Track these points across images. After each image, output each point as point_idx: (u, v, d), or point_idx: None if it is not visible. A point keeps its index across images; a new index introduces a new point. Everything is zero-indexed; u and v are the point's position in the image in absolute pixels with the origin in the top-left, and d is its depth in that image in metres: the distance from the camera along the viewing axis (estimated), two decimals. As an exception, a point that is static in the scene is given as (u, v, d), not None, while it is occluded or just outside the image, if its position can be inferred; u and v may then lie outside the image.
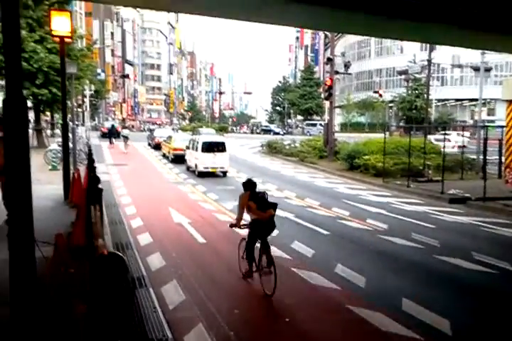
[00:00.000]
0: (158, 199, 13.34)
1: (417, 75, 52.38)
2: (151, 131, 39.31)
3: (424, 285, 6.92)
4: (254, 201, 6.25)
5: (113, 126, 38.54)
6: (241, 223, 6.46)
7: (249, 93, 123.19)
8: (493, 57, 33.74)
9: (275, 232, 9.51)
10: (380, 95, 52.83)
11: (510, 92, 17.80)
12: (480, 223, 11.14)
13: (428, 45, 36.32)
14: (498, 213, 12.28)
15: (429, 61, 34.44)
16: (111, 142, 33.83)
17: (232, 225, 6.60)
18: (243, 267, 6.75)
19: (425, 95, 38.23)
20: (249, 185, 6.47)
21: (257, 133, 66.56)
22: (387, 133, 21.90)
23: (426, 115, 35.95)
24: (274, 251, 8.15)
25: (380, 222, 10.92)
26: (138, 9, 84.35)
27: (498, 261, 7.94)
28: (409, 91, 55.35)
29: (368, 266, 7.67)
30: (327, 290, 6.51)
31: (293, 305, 6.01)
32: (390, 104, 61.53)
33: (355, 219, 11.09)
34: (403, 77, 56.46)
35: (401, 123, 54.58)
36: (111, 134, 35.10)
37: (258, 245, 6.54)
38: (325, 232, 9.82)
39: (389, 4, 9.46)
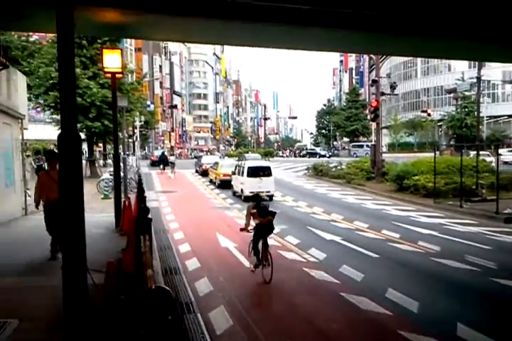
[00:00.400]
0: (205, 225, 13.50)
1: (467, 93, 51.18)
2: (199, 158, 40.08)
3: (480, 310, 6.60)
4: (257, 209, 8.11)
5: (163, 153, 39.82)
6: (248, 228, 8.28)
7: (295, 117, 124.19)
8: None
9: (323, 256, 9.48)
10: (429, 114, 51.86)
11: None
12: (540, 243, 10.56)
13: (477, 63, 35.47)
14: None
15: (479, 78, 33.61)
16: (163, 168, 35.04)
17: (242, 229, 8.44)
18: (252, 262, 8.34)
19: (475, 112, 37.14)
20: (255, 197, 8.46)
21: (300, 156, 66.35)
22: (438, 152, 21.42)
23: (477, 133, 34.80)
24: (322, 275, 8.09)
25: (432, 244, 10.55)
26: (185, 43, 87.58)
27: (562, 283, 7.48)
28: (459, 110, 53.97)
29: (420, 289, 7.41)
30: (377, 315, 6.32)
31: (342, 331, 5.88)
32: (439, 123, 60.12)
33: (405, 242, 10.78)
34: (452, 95, 55.40)
35: (451, 142, 53.06)
36: (161, 161, 36.42)
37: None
38: (374, 255, 9.60)
39: (438, 26, 9.38)
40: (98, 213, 14.07)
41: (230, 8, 7.49)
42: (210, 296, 7.06)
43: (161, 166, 35.52)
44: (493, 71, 44.57)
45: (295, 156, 67.93)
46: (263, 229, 8.08)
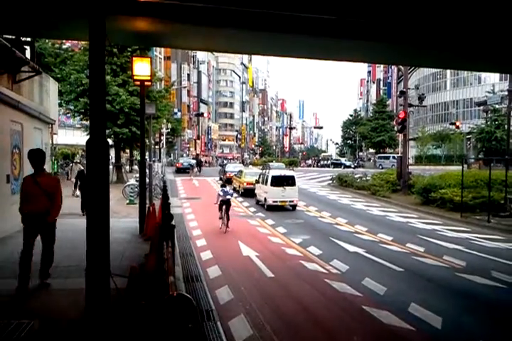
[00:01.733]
0: (227, 233, 13.52)
1: (497, 106, 50.21)
2: (223, 166, 40.32)
3: (505, 328, 6.41)
4: (222, 192, 14.32)
5: (197, 155, 45.16)
6: (218, 203, 14.23)
7: (320, 127, 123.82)
8: None
9: (345, 268, 9.38)
10: (457, 127, 50.99)
11: None
12: None
13: (508, 75, 34.81)
14: None
15: (510, 91, 32.94)
16: (199, 170, 39.86)
17: (215, 203, 14.45)
18: (219, 219, 14.14)
19: (506, 126, 36.40)
20: (223, 185, 15.28)
21: (321, 166, 66.02)
22: (466, 165, 20.99)
23: (507, 146, 34.02)
24: (344, 287, 7.99)
25: (458, 258, 10.33)
26: (213, 52, 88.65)
27: None
28: (489, 122, 52.94)
29: (444, 305, 7.24)
30: (400, 329, 6.20)
31: (363, 345, 5.79)
32: (468, 136, 59.07)
33: (430, 256, 10.57)
34: (481, 108, 54.43)
35: (480, 156, 52.03)
36: (198, 164, 45.19)
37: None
38: (398, 269, 9.44)
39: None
40: (123, 218, 14.25)
41: (257, 19, 7.56)
42: (231, 304, 7.04)
43: (198, 168, 42.85)
44: (525, 84, 43.61)
45: (317, 166, 67.46)
46: (225, 203, 14.07)
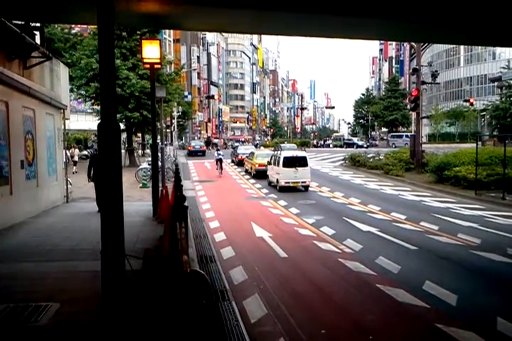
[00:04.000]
0: (240, 214, 13.59)
1: (512, 81, 49.22)
2: (235, 148, 40.31)
3: (523, 305, 6.40)
4: (217, 160, 25.42)
5: (209, 138, 45.67)
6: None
7: (332, 107, 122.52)
8: None
9: (359, 247, 9.39)
10: (472, 104, 50.14)
11: None
12: None
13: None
14: None
15: (525, 65, 32.23)
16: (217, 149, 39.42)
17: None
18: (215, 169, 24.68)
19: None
20: (218, 160, 25.55)
21: (315, 146, 65.56)
22: (480, 143, 20.73)
23: (523, 123, 33.48)
24: (357, 266, 8.01)
25: (473, 236, 10.27)
26: (223, 33, 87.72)
27: None
28: (503, 99, 51.96)
29: (459, 283, 7.23)
30: (414, 307, 6.21)
31: (378, 322, 5.82)
32: (482, 113, 58.14)
33: (445, 234, 10.53)
34: (496, 84, 53.37)
35: (494, 133, 51.26)
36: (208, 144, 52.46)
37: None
38: (412, 247, 9.42)
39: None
40: (136, 201, 14.39)
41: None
42: (245, 285, 7.11)
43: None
44: (542, 58, 42.61)
45: (316, 146, 66.79)
46: (219, 160, 25.03)
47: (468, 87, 69.91)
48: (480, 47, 62.32)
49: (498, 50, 63.08)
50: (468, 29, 10.49)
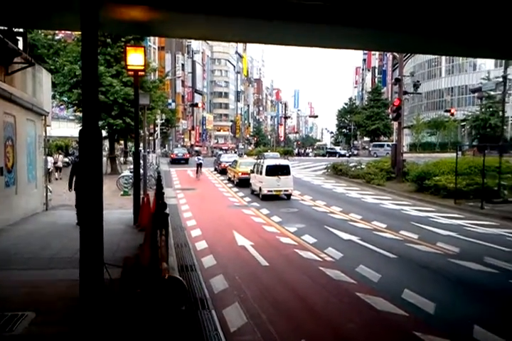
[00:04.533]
0: (222, 223, 13.57)
1: (492, 92, 50.19)
2: (218, 156, 40.30)
3: (498, 312, 6.50)
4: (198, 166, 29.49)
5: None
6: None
7: (315, 116, 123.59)
8: None
9: (339, 255, 9.44)
10: (452, 114, 51.00)
11: None
12: None
13: (503, 61, 34.80)
14: None
15: (505, 77, 33.01)
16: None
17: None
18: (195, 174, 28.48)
19: (500, 113, 36.45)
20: (198, 165, 29.65)
21: (297, 155, 65.74)
22: (460, 152, 21.08)
23: (501, 133, 34.23)
24: (338, 274, 8.05)
25: (451, 245, 10.41)
26: (208, 41, 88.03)
27: None
28: (483, 109, 53.00)
29: (437, 291, 7.32)
30: (393, 315, 6.26)
31: (357, 331, 5.85)
32: (463, 123, 59.17)
33: (424, 243, 10.66)
34: (476, 94, 54.36)
35: (474, 143, 52.17)
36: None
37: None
38: (392, 256, 9.52)
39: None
40: (117, 209, 14.27)
41: (251, 6, 7.51)
42: (225, 293, 7.09)
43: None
44: (520, 70, 43.54)
45: (298, 155, 66.92)
46: (199, 165, 29.34)
47: (449, 97, 71.08)
48: (461, 58, 63.57)
49: (479, 61, 64.33)
50: (451, 39, 10.69)
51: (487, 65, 60.68)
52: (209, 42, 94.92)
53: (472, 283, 7.82)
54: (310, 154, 68.84)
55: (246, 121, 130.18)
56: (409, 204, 17.39)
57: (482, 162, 16.59)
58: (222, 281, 7.66)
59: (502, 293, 7.35)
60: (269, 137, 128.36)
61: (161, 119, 49.70)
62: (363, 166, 28.31)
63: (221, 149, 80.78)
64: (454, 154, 18.94)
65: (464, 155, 26.21)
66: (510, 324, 6.08)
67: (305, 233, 11.79)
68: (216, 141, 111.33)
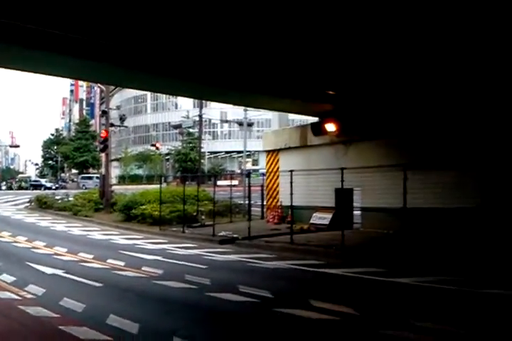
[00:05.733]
0: None
1: (191, 130, 55.85)
2: None
3: (197, 322, 7.19)
4: None
5: None
6: None
7: (17, 146, 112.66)
8: (254, 114, 38.39)
9: (42, 291, 8.85)
10: (157, 148, 54.33)
11: (268, 144, 20.61)
12: (246, 259, 12.20)
13: (199, 102, 39.11)
14: (261, 249, 13.68)
15: (200, 116, 37.18)
16: None
17: None
18: None
19: (198, 148, 40.78)
20: None
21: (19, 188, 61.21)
22: (165, 183, 22.63)
23: (199, 166, 38.29)
24: (39, 311, 7.52)
25: (156, 268, 10.99)
26: None
27: (259, 290, 8.75)
28: (184, 145, 58.41)
29: (142, 312, 7.60)
30: (99, 342, 6.22)
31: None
32: (167, 157, 63.74)
33: (130, 269, 10.93)
34: (177, 131, 59.51)
35: (177, 174, 56.73)
36: None
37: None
38: (98, 285, 9.41)
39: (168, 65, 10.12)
40: None
41: None
42: None
43: None
44: (213, 111, 49.95)
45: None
46: None
47: (154, 132, 75.74)
48: (165, 97, 68.80)
49: (180, 100, 70.87)
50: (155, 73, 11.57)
51: (186, 105, 67.37)
52: None
53: (174, 300, 8.41)
54: (2, 188, 63.06)
55: None
56: (118, 234, 17.60)
57: (183, 191, 18.24)
58: None
59: (199, 304, 8.14)
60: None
61: None
62: (70, 198, 27.35)
63: None
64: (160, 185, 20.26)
65: (168, 186, 28.23)
66: (207, 331, 6.80)
67: (2, 272, 10.57)
68: None
